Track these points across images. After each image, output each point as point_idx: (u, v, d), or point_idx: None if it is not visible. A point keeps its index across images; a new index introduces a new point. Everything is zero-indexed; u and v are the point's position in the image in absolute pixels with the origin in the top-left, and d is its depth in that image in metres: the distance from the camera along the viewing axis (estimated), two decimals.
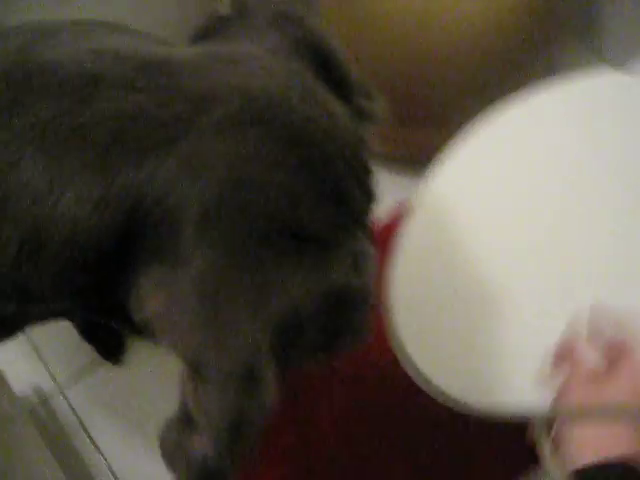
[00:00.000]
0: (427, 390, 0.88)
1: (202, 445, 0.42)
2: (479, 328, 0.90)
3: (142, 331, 0.47)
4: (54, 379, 1.36)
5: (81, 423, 1.32)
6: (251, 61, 0.51)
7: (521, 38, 1.20)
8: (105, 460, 1.29)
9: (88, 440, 1.31)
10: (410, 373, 0.89)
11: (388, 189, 1.58)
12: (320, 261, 0.48)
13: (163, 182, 0.44)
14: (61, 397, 1.34)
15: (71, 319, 1.19)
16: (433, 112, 1.29)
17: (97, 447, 1.30)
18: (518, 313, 0.90)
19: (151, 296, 0.44)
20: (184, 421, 0.44)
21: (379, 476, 1.25)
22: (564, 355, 0.75)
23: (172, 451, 0.44)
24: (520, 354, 0.87)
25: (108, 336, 1.35)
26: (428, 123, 1.30)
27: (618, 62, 1.16)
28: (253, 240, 0.44)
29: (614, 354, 0.69)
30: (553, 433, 0.67)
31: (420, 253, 0.97)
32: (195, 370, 0.43)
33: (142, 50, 0.51)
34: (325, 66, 0.58)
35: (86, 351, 1.35)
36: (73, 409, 1.33)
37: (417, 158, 1.16)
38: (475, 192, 1.02)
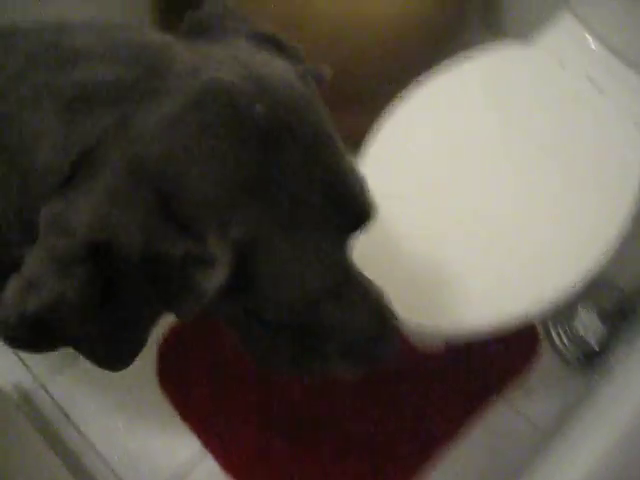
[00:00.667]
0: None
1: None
2: (421, 264, 1.03)
3: None
4: (33, 374, 1.43)
5: (64, 413, 1.41)
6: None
7: (434, 30, 1.34)
8: (91, 446, 1.38)
9: (72, 429, 1.40)
10: None
11: None
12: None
13: (104, 136, 0.51)
14: (42, 391, 1.42)
15: None
16: (361, 97, 1.41)
17: (82, 434, 1.39)
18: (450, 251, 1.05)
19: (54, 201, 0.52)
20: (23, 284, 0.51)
21: (341, 422, 1.40)
22: None
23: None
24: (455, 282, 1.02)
25: None
26: (357, 108, 1.42)
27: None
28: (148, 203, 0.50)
29: None
30: None
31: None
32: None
33: (144, 38, 0.58)
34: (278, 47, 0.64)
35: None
36: (55, 401, 1.41)
37: (350, 140, 1.28)
38: (402, 159, 1.12)
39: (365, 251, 1.01)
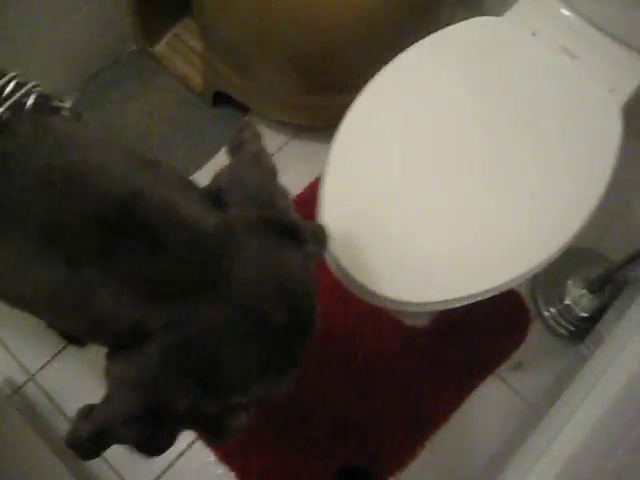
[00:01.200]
0: (364, 296, 1.01)
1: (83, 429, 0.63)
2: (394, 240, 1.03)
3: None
4: (24, 368, 1.43)
5: (56, 406, 1.40)
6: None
7: (409, 9, 1.34)
8: None
9: (65, 421, 1.39)
10: (346, 284, 1.02)
11: (307, 157, 1.71)
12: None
13: (169, 323, 0.63)
14: (34, 384, 1.42)
15: None
16: (338, 78, 1.42)
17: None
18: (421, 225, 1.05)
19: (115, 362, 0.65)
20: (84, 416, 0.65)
21: (331, 406, 1.40)
22: None
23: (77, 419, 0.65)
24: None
25: None
26: (334, 89, 1.43)
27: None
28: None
29: None
30: None
31: (343, 188, 1.07)
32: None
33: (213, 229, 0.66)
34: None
35: (52, 337, 1.43)
36: (47, 393, 1.41)
37: (327, 123, 1.28)
38: (374, 137, 1.11)
39: (344, 229, 1.03)
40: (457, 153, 1.08)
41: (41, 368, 1.43)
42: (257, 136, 0.78)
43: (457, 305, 1.02)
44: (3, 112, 0.64)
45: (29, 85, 0.68)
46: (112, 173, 0.64)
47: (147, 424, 0.64)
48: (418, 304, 1.00)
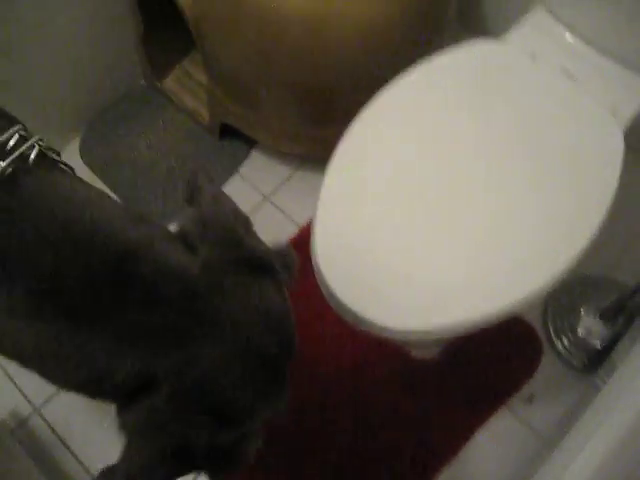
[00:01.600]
0: (353, 322, 0.99)
1: None
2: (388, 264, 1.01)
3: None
4: (29, 401, 1.43)
5: (60, 439, 1.40)
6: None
7: (408, 32, 1.34)
8: (86, 471, 1.36)
9: (69, 454, 1.38)
10: (341, 313, 1.00)
11: (312, 188, 1.70)
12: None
13: (171, 369, 0.66)
14: (38, 417, 1.41)
15: None
16: (341, 109, 1.42)
17: (78, 459, 1.37)
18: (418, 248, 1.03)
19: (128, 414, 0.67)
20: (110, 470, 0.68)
21: (340, 437, 1.37)
22: None
23: None
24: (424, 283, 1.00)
25: None
26: (338, 120, 1.43)
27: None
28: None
29: None
30: None
31: (338, 208, 1.06)
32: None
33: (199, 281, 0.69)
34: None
35: None
36: (51, 427, 1.41)
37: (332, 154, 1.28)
38: (372, 159, 1.09)
39: (337, 257, 1.02)
40: (456, 177, 1.06)
41: (46, 401, 1.43)
42: (212, 180, 0.82)
43: (458, 333, 1.00)
44: (6, 166, 0.65)
45: (33, 139, 0.70)
46: (109, 230, 0.66)
47: (171, 467, 0.68)
48: (410, 332, 0.98)
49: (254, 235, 0.79)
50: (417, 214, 1.04)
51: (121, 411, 0.68)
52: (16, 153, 0.66)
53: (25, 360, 0.68)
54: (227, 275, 0.70)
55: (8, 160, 0.65)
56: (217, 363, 0.67)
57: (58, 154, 0.75)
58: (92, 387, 0.68)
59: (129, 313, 0.64)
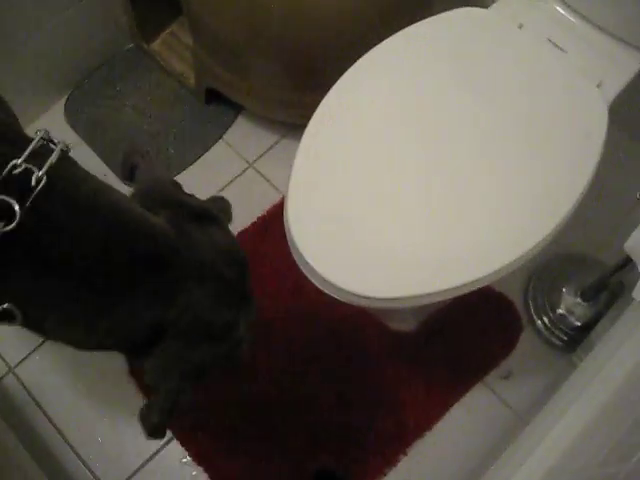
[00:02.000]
0: (329, 291, 0.98)
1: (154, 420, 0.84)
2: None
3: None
4: (4, 361, 1.42)
5: (33, 398, 1.39)
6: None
7: (404, 2, 1.31)
8: (59, 432, 1.37)
9: (42, 414, 1.38)
10: (310, 276, 0.99)
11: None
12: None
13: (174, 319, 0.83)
14: (12, 376, 1.41)
15: None
16: (328, 75, 1.39)
17: (50, 420, 1.37)
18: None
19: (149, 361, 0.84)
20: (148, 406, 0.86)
21: (313, 411, 1.36)
22: None
23: (142, 418, 0.85)
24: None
25: None
26: (325, 86, 1.41)
27: None
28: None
29: None
30: None
31: (311, 175, 1.05)
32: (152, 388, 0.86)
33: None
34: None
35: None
36: (24, 386, 1.40)
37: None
38: (353, 127, 1.08)
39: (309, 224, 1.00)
40: (433, 145, 1.04)
41: (21, 361, 1.42)
42: (144, 155, 1.01)
43: (428, 301, 0.98)
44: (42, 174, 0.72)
45: (60, 146, 0.76)
46: (124, 211, 0.79)
47: (189, 384, 0.86)
48: (384, 299, 0.96)
49: (187, 194, 0.96)
50: (392, 183, 1.02)
51: (138, 360, 0.84)
52: (48, 162, 0.71)
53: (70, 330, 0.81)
54: (187, 229, 0.86)
55: (44, 169, 0.71)
56: (202, 301, 0.83)
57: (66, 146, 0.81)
58: (113, 344, 0.84)
59: (146, 282, 0.78)
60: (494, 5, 1.17)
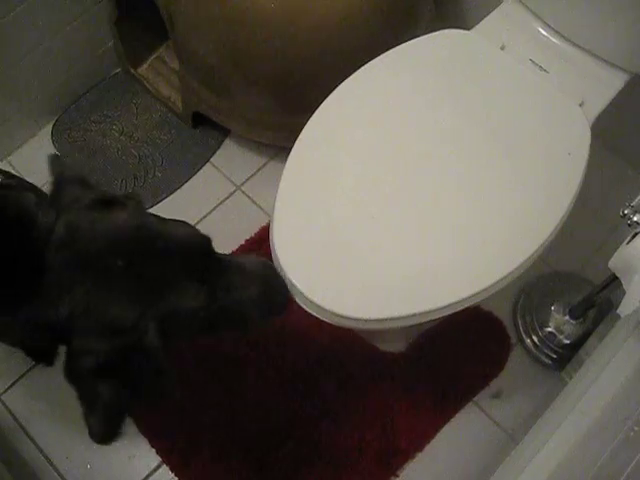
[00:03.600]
0: (317, 313, 0.98)
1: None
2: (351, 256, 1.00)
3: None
4: None
5: (19, 424, 1.37)
6: None
7: (381, 23, 1.33)
8: (47, 459, 1.35)
9: (28, 440, 1.36)
10: (297, 298, 0.99)
11: None
12: None
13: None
14: (1, 405, 1.39)
15: None
16: (314, 98, 1.40)
17: (37, 445, 1.36)
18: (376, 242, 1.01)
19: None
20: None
21: (302, 431, 1.35)
22: None
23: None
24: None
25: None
26: (312, 109, 1.42)
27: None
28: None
29: None
30: None
31: (297, 196, 1.06)
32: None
33: None
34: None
35: (19, 356, 1.41)
36: (11, 412, 1.38)
37: None
38: (338, 151, 1.09)
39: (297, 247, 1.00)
40: (421, 164, 1.05)
41: (8, 387, 1.40)
42: (63, 163, 0.95)
43: (415, 322, 0.98)
44: None
45: None
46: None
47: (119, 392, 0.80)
48: (370, 321, 0.96)
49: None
50: (376, 205, 1.02)
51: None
52: None
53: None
54: (97, 216, 0.84)
55: None
56: (92, 294, 0.78)
57: None
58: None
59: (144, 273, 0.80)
60: (477, 26, 1.19)
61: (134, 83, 1.72)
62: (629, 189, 1.19)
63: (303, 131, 1.09)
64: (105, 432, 0.81)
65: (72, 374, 0.81)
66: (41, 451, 1.35)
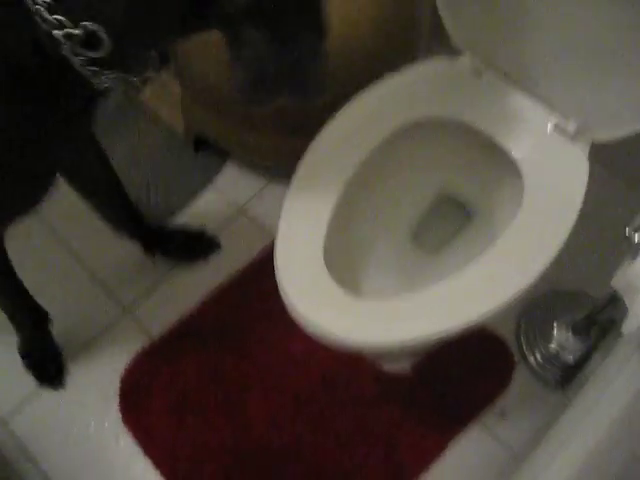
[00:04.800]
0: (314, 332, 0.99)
1: None
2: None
3: None
4: None
5: (26, 453, 1.37)
6: None
7: (377, 50, 1.35)
8: None
9: (34, 467, 1.35)
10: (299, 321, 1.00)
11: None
12: None
13: None
14: (3, 428, 1.39)
15: None
16: (315, 122, 1.42)
17: (43, 473, 1.35)
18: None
19: None
20: None
21: (308, 453, 1.35)
22: None
23: None
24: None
25: (46, 362, 1.44)
26: (313, 132, 1.43)
27: None
28: None
29: None
30: None
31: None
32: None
33: None
34: None
35: (26, 381, 1.42)
36: (18, 439, 1.38)
37: None
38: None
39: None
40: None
41: (14, 412, 1.41)
42: None
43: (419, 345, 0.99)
44: None
45: None
46: None
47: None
48: (372, 346, 0.97)
49: None
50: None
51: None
52: None
53: None
54: None
55: None
56: None
57: None
58: None
59: None
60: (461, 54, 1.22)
61: (135, 106, 1.74)
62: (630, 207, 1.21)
63: (306, 154, 1.10)
64: (249, 91, 0.81)
65: (221, 19, 0.76)
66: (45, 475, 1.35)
